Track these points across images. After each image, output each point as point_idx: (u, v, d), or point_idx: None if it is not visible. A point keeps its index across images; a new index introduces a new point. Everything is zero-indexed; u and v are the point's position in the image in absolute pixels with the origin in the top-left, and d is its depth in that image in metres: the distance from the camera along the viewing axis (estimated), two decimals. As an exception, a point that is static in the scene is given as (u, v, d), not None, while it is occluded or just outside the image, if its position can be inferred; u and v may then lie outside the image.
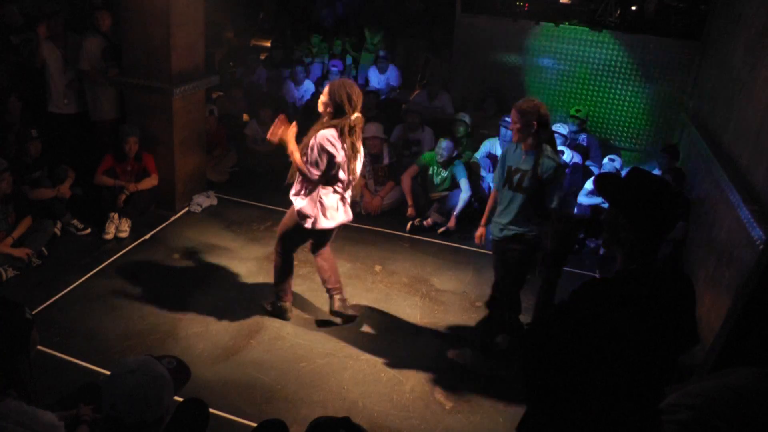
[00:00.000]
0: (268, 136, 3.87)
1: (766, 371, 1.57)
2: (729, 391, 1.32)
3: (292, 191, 4.02)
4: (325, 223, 3.96)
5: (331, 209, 3.95)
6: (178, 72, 5.50)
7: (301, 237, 4.18)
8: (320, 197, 3.91)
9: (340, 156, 3.77)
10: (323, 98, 3.80)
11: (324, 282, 4.27)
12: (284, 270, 4.26)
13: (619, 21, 7.00)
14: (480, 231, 4.24)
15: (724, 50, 5.50)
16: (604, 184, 2.02)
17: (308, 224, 3.95)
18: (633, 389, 1.15)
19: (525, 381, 1.22)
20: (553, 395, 1.16)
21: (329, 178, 3.86)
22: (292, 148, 3.83)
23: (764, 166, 3.72)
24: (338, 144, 3.75)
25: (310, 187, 3.90)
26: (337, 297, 4.24)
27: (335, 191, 3.94)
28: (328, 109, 3.78)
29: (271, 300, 4.41)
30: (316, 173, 3.79)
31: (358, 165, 3.98)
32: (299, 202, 3.96)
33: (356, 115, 3.78)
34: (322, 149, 3.73)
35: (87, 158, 5.78)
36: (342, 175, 3.89)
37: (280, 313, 4.36)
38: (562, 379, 1.16)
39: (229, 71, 8.50)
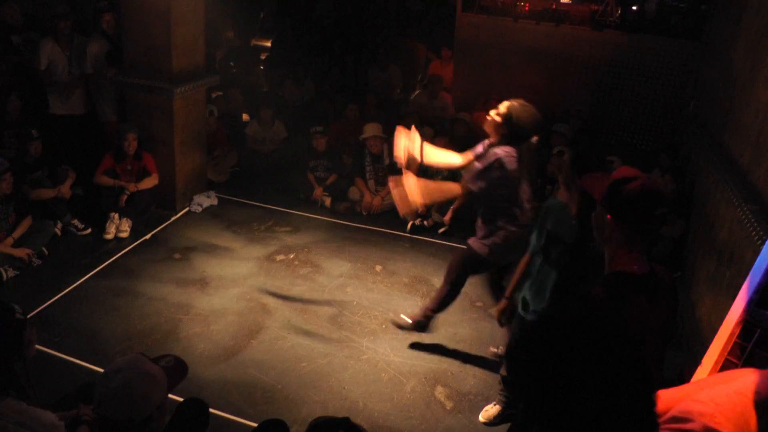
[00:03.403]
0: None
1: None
2: (737, 395, 1.31)
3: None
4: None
5: None
6: (178, 72, 5.50)
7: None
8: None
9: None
10: (497, 118, 3.40)
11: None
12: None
13: (619, 21, 7.00)
14: (502, 305, 3.39)
15: (725, 50, 5.49)
16: (590, 182, 2.03)
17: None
18: (626, 394, 1.15)
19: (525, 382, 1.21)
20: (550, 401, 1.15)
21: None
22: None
23: (765, 165, 3.72)
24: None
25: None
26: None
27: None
28: (501, 132, 3.39)
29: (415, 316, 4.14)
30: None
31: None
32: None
33: (535, 138, 3.45)
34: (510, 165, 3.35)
35: (87, 158, 5.78)
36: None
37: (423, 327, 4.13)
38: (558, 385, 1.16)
39: (229, 71, 8.50)
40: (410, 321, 4.14)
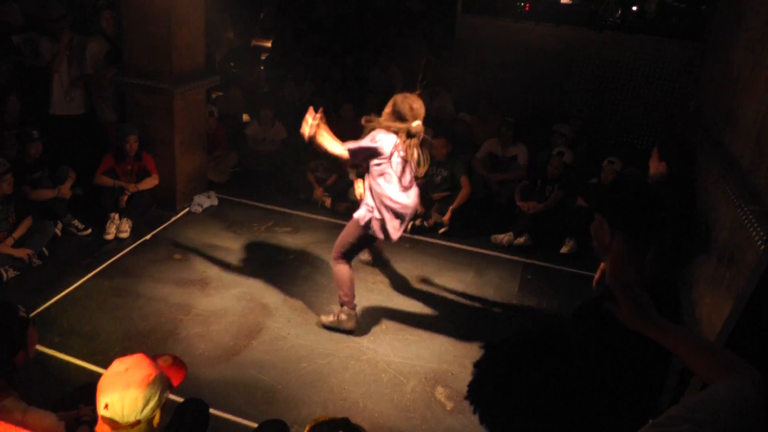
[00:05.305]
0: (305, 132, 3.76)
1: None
2: (729, 403, 1.31)
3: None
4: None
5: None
6: (178, 72, 5.50)
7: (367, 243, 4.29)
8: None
9: (386, 151, 3.79)
10: (387, 109, 3.88)
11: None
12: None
13: (619, 21, 7.01)
14: None
15: (725, 50, 5.49)
16: (588, 192, 2.02)
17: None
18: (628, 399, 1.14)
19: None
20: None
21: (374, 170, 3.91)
22: (321, 141, 3.80)
23: (765, 166, 3.72)
24: (390, 141, 3.79)
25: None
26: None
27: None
28: (390, 118, 3.84)
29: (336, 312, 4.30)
30: (349, 148, 3.80)
31: (422, 169, 4.00)
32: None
33: (417, 122, 3.81)
34: (371, 138, 3.80)
35: (87, 158, 5.78)
36: (396, 176, 3.90)
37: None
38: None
39: (229, 71, 8.50)
40: None
